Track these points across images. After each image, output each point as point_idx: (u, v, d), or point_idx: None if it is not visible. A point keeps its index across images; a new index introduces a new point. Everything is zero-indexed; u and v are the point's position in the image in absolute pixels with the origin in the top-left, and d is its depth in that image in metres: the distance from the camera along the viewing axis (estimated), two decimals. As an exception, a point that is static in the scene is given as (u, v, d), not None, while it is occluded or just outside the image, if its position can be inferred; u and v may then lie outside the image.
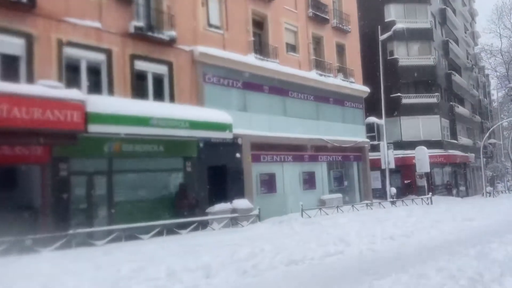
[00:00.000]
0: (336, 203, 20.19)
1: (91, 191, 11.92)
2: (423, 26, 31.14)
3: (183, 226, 12.18)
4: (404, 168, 29.13)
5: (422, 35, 31.14)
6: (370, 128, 29.48)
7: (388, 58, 30.52)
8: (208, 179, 15.31)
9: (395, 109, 29.95)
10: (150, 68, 14.14)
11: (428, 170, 23.94)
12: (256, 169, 17.57)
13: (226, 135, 13.90)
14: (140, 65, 13.84)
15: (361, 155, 23.96)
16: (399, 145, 29.38)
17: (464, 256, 7.13)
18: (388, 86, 29.73)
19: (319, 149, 21.06)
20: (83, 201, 11.79)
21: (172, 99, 14.60)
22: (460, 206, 19.92)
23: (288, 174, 19.27)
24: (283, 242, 8.79)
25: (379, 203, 19.53)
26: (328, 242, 8.88)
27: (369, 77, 25.43)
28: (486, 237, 9.16)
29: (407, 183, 29.89)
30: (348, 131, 23.04)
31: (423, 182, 30.57)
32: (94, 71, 12.73)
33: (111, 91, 12.83)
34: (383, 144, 21.86)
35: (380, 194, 28.35)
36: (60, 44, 11.82)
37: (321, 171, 21.28)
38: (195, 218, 11.54)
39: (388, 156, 21.40)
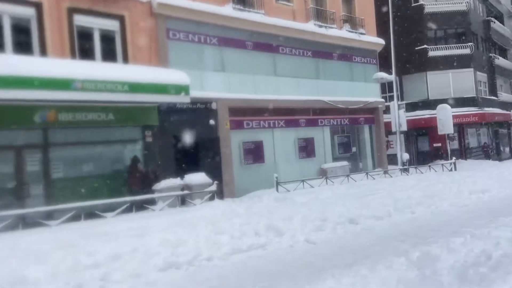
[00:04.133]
0: (341, 172, 17.87)
1: (21, 167, 10.41)
2: (454, -34, 26.82)
3: (132, 206, 10.51)
4: (432, 130, 25.87)
5: (452, -24, 26.90)
6: (389, 86, 26.42)
7: (413, 5, 26.74)
8: (176, 150, 13.47)
9: (421, 64, 26.44)
10: (95, 23, 12.18)
11: (452, 131, 20.77)
12: (238, 137, 15.49)
13: (181, 99, 11.86)
14: (82, 20, 11.90)
15: (374, 117, 21.13)
16: (426, 104, 26.10)
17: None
18: (412, 37, 26.30)
19: (320, 112, 18.56)
20: (10, 179, 10.31)
21: (126, 60, 12.65)
22: (489, 171, 16.95)
23: (280, 141, 17.04)
24: (200, 231, 6.81)
25: (384, 172, 16.91)
26: (259, 230, 6.80)
27: (387, 27, 22.12)
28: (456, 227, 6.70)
29: (436, 147, 26.69)
30: (357, 90, 20.21)
31: (455, 145, 27.32)
32: (21, 28, 10.95)
33: (43, 52, 11.06)
34: (394, 103, 18.89)
35: (408, 160, 25.54)
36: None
37: (322, 136, 18.82)
38: (130, 198, 9.77)
39: (400, 117, 18.49)
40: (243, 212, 9.13)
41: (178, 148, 13.53)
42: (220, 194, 13.95)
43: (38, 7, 11.07)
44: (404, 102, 26.17)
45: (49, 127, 10.80)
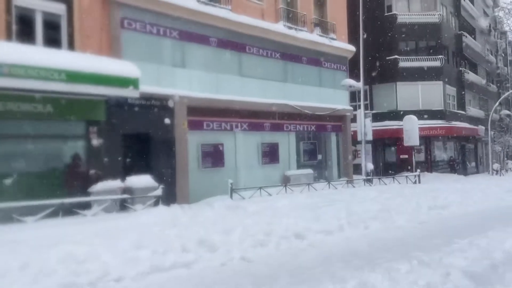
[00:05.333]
0: (305, 180, 17.17)
1: None
2: (428, -23, 26.84)
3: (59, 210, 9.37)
4: (400, 141, 25.65)
5: (426, -12, 26.89)
6: (359, 95, 26.16)
7: (385, 14, 26.56)
8: (125, 150, 12.40)
9: (392, 74, 26.24)
10: (38, 5, 11.02)
11: (417, 143, 20.49)
12: (196, 138, 14.55)
13: (129, 93, 10.83)
14: (23, 0, 10.75)
15: (341, 125, 20.60)
16: (394, 114, 25.87)
17: None
18: (384, 47, 26.08)
19: (285, 117, 17.85)
20: None
21: (72, 47, 11.54)
22: (452, 186, 16.65)
23: (242, 145, 16.20)
24: (121, 243, 5.85)
25: (347, 181, 16.32)
26: (189, 244, 5.90)
27: (359, 35, 21.73)
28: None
29: (402, 158, 26.46)
30: (325, 96, 19.64)
31: (421, 157, 27.22)
32: None
33: (-28, 32, 9.87)
34: (360, 112, 18.40)
35: (373, 171, 25.20)
36: None
37: (287, 142, 18.11)
38: (57, 201, 8.63)
39: (366, 127, 17.99)
40: (185, 221, 8.22)
41: (127, 147, 12.46)
42: (171, 199, 13.00)
43: (-30, -18, 9.89)
44: (373, 111, 25.91)
45: (-27, 116, 9.58)
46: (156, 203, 10.03)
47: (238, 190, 13.14)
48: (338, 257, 5.64)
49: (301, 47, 18.51)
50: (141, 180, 10.25)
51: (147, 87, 12.61)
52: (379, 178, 17.87)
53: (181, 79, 14.08)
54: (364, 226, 7.72)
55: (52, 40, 11.31)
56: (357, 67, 20.98)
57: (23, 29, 10.83)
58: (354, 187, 15.86)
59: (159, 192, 10.17)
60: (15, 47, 9.52)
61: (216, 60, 15.31)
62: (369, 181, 17.43)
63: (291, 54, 18.21)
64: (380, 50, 26.09)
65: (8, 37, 10.38)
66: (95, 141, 11.63)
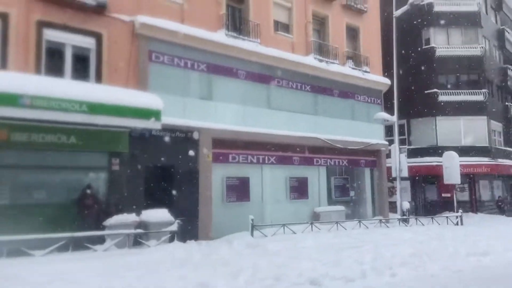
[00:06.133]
0: (336, 217, 16.27)
1: (-41, 190, 9.27)
2: (468, 10, 25.97)
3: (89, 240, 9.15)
4: (441, 179, 24.20)
5: (466, 20, 25.98)
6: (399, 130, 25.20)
7: (424, 47, 25.78)
8: (147, 182, 12.22)
9: (431, 108, 25.12)
10: (68, 39, 11.36)
11: (458, 182, 19.09)
12: (221, 171, 14.21)
13: (151, 125, 10.72)
14: (53, 35, 11.09)
15: (376, 160, 19.68)
16: (434, 150, 24.53)
17: None
18: (421, 80, 25.18)
19: (316, 151, 17.24)
20: None
21: (99, 80, 11.71)
22: (498, 229, 15.17)
23: (269, 179, 15.67)
24: (108, 284, 5.40)
25: (380, 220, 15.24)
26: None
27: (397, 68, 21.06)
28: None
29: (444, 197, 24.83)
30: (359, 130, 18.92)
31: (464, 196, 25.47)
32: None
33: (4, 64, 10.18)
34: (394, 146, 17.47)
35: (410, 209, 23.78)
36: None
37: (317, 177, 17.40)
38: (67, 234, 8.37)
39: (401, 162, 16.99)
40: (197, 260, 7.72)
41: (150, 179, 12.29)
42: (193, 233, 12.58)
43: (4, 18, 10.32)
44: (411, 147, 24.80)
45: (-2, 147, 9.71)
46: (171, 239, 9.60)
47: (261, 227, 12.52)
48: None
49: (333, 80, 18.08)
50: (157, 214, 9.92)
51: (172, 119, 12.59)
52: (416, 218, 16.64)
53: (207, 111, 13.94)
54: (390, 274, 6.89)
55: (81, 72, 11.56)
56: (393, 100, 20.19)
57: (53, 62, 11.14)
58: (387, 227, 14.79)
59: (174, 227, 9.77)
60: (39, 79, 9.72)
61: (244, 93, 15.13)
62: (405, 221, 16.26)
63: (322, 86, 17.80)
64: (418, 83, 25.20)
65: (37, 70, 10.67)
66: (117, 173, 11.53)
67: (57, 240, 8.09)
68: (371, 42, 20.34)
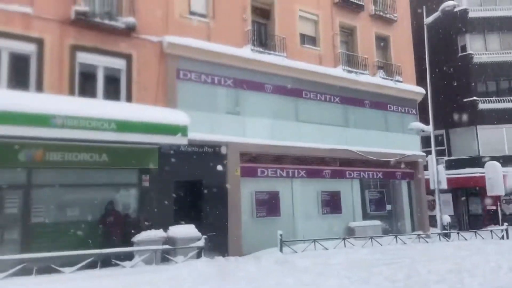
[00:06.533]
0: (372, 232, 15.76)
1: (-2, 209, 9.66)
2: (506, 14, 24.93)
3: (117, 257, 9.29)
4: (485, 191, 22.99)
5: (504, 25, 24.91)
6: (436, 140, 24.30)
7: (459, 54, 24.89)
8: (177, 197, 12.33)
9: (470, 117, 24.07)
10: (100, 61, 11.79)
11: (502, 193, 18.03)
12: (250, 185, 14.13)
13: (178, 140, 10.86)
14: (86, 57, 11.56)
15: (413, 172, 18.99)
16: (476, 161, 23.38)
17: None
18: (459, 88, 24.25)
19: (347, 163, 16.86)
20: (-15, 221, 9.56)
21: (129, 99, 12.04)
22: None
23: (300, 193, 15.42)
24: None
25: (419, 235, 14.52)
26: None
27: (433, 77, 20.38)
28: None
29: (490, 209, 23.50)
30: (393, 141, 18.37)
31: (511, 209, 24.01)
32: (20, 63, 10.69)
33: (39, 88, 10.68)
34: (431, 157, 16.75)
35: (452, 223, 22.66)
36: (-31, 32, 9.99)
37: (350, 191, 16.96)
38: (93, 251, 8.49)
39: (439, 174, 16.24)
40: (222, 277, 7.60)
41: (179, 194, 12.40)
42: (223, 249, 12.51)
43: (40, 43, 10.86)
44: (450, 157, 23.80)
45: (34, 167, 10.09)
46: (198, 255, 9.56)
47: (292, 243, 12.26)
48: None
49: (363, 91, 17.73)
50: (184, 230, 9.94)
51: (200, 135, 12.72)
52: (458, 233, 15.78)
53: (235, 126, 13.99)
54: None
55: (112, 92, 11.95)
56: (436, 111, 19.45)
57: (86, 83, 11.57)
58: (427, 242, 14.09)
59: (201, 243, 9.72)
60: (71, 100, 10.11)
61: (271, 106, 15.09)
62: (445, 235, 15.45)
63: (352, 98, 17.48)
64: (455, 92, 24.27)
65: (71, 91, 11.11)
66: (147, 189, 11.70)
67: (86, 257, 8.22)
68: (402, 51, 19.87)
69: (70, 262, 8.50)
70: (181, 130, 10.73)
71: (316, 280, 6.77)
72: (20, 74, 10.65)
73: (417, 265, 8.45)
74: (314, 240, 12.26)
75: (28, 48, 10.75)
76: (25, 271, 7.84)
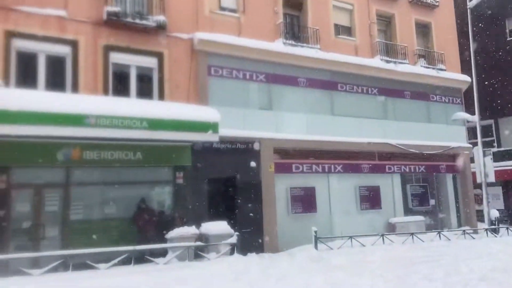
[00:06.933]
0: (414, 228, 15.11)
1: (39, 207, 10.02)
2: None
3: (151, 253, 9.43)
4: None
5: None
6: (484, 131, 22.97)
7: (509, 38, 23.28)
8: (210, 194, 12.32)
9: (522, 105, 22.48)
10: (132, 61, 11.95)
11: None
12: (285, 181, 13.89)
13: (209, 137, 10.79)
14: (119, 57, 11.75)
15: (459, 165, 17.98)
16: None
17: None
18: (509, 75, 22.70)
19: (387, 157, 16.21)
20: (26, 219, 9.93)
21: (162, 97, 12.14)
22: None
23: (337, 188, 14.99)
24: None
25: (463, 231, 13.68)
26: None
27: (476, 64, 19.15)
28: None
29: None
30: (436, 133, 17.48)
31: None
32: (56, 65, 11.03)
33: (75, 89, 10.97)
34: (478, 149, 15.73)
35: (501, 217, 21.34)
36: (9, 35, 10.38)
37: (391, 185, 16.30)
38: (127, 248, 8.55)
39: (486, 166, 15.23)
40: (252, 274, 7.46)
41: (213, 191, 12.38)
42: (258, 246, 12.39)
43: (74, 45, 11.15)
44: (500, 149, 22.35)
45: (72, 165, 10.40)
46: (232, 252, 9.47)
47: (328, 239, 11.92)
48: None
49: (403, 81, 16.96)
50: (217, 227, 9.86)
51: (233, 131, 12.64)
52: (507, 228, 14.76)
53: (268, 121, 13.78)
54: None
55: (145, 91, 12.09)
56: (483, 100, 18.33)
57: (119, 83, 11.77)
58: (473, 238, 13.27)
59: (233, 239, 9.61)
60: (104, 99, 10.30)
61: (305, 100, 14.74)
62: (494, 231, 14.50)
63: (391, 88, 16.77)
64: (504, 79, 22.74)
65: (105, 91, 11.33)
66: (181, 186, 11.76)
67: (120, 254, 8.34)
68: (445, 38, 18.83)
69: (106, 258, 8.67)
70: (212, 127, 10.66)
71: (348, 279, 6.46)
72: (57, 75, 10.98)
73: (459, 263, 7.91)
74: (351, 237, 11.85)
75: (63, 50, 11.06)
76: (63, 267, 8.04)
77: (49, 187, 10.24)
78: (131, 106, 10.10)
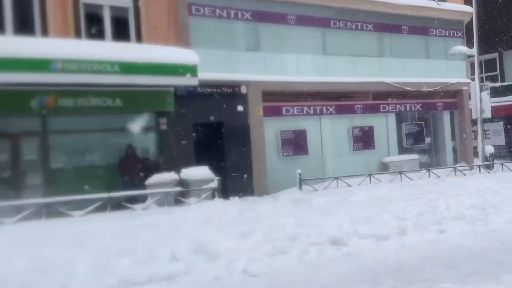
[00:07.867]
0: (409, 167, 14.95)
1: (17, 156, 9.89)
2: None
3: (132, 200, 9.40)
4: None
5: None
6: (486, 64, 22.14)
7: (519, -37, 21.65)
8: (196, 140, 12.08)
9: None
10: (105, 0, 11.23)
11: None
12: (274, 125, 13.56)
13: (187, 81, 10.33)
14: (90, -3, 11.03)
15: (456, 102, 17.43)
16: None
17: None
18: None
19: (382, 96, 15.68)
20: (6, 168, 9.84)
21: (139, 39, 11.54)
22: None
23: (329, 130, 14.65)
24: (110, 247, 5.19)
25: (455, 168, 13.47)
26: (184, 251, 4.98)
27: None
28: None
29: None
30: (434, 69, 16.78)
31: None
32: (22, 7, 10.38)
33: (45, 32, 10.39)
34: (474, 84, 15.07)
35: (504, 153, 21.06)
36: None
37: (385, 125, 15.91)
38: (103, 195, 8.42)
39: (482, 101, 14.66)
40: (228, 218, 7.35)
41: (199, 137, 12.13)
42: (248, 190, 12.34)
43: (41, -14, 10.42)
44: (504, 83, 21.60)
45: (48, 113, 10.09)
46: (213, 196, 9.38)
47: (314, 181, 11.79)
48: (370, 273, 4.13)
49: (400, 15, 15.98)
50: (196, 172, 9.70)
51: (217, 74, 12.16)
52: (502, 164, 14.47)
53: (255, 63, 13.19)
54: (438, 229, 5.84)
55: (121, 34, 11.44)
56: (480, 31, 17.28)
57: (92, 25, 11.15)
58: (464, 175, 13.06)
59: (214, 184, 9.48)
60: (73, 43, 9.76)
61: (295, 39, 14.00)
62: (487, 167, 14.24)
63: (387, 24, 15.86)
64: (510, 9, 21.45)
65: (77, 34, 10.75)
66: (165, 132, 11.51)
67: (96, 201, 8.27)
68: (447, -35, 17.48)
69: (83, 206, 8.62)
70: (190, 70, 10.17)
71: (318, 220, 6.30)
72: (24, 18, 10.37)
73: (440, 200, 7.70)
74: (337, 178, 11.69)
75: (32, -8, 10.36)
76: (35, 215, 8.02)
77: (25, 136, 10.04)
78: (103, 49, 9.60)
